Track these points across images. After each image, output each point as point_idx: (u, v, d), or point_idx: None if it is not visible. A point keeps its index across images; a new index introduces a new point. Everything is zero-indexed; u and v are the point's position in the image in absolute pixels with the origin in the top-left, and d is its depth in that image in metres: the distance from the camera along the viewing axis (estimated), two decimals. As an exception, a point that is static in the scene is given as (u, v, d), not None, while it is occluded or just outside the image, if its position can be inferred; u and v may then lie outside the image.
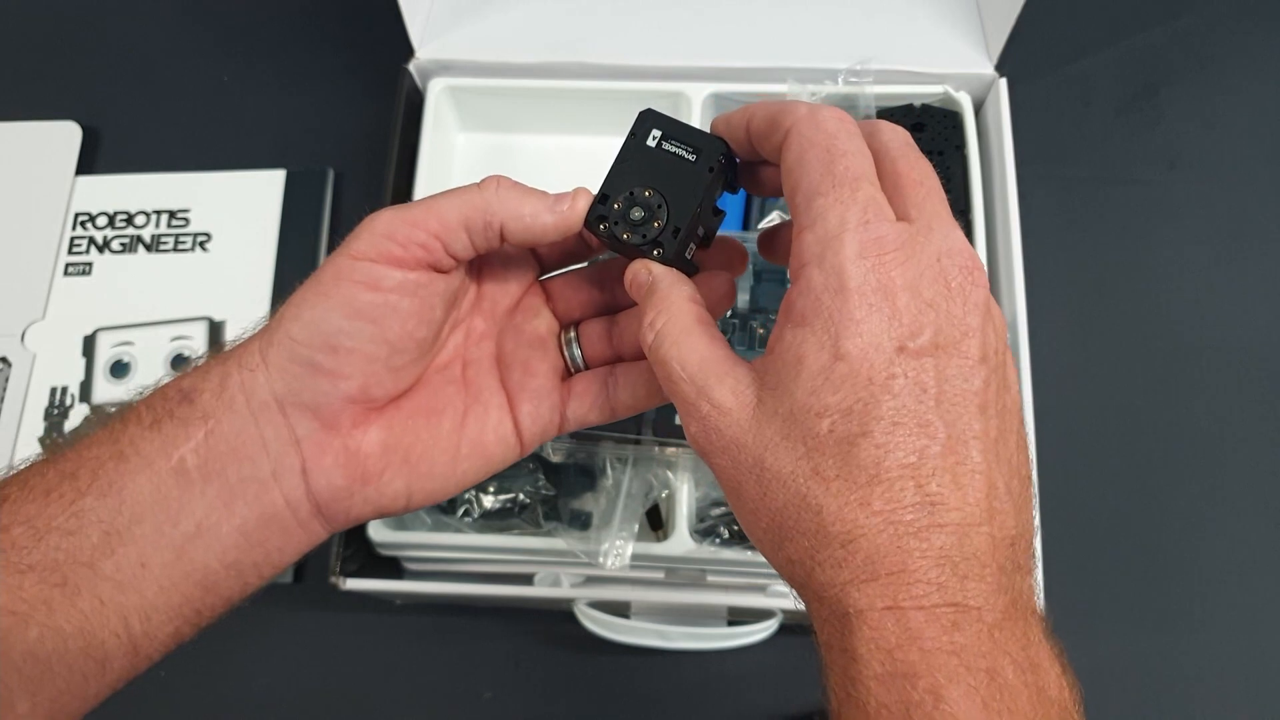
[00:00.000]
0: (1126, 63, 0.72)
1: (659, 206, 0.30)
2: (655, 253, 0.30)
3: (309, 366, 0.30)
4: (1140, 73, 0.72)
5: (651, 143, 0.31)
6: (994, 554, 0.25)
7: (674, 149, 0.31)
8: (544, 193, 0.32)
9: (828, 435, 0.25)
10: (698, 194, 0.31)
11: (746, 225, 0.62)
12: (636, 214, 0.30)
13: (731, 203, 0.61)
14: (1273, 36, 0.72)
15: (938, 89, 0.61)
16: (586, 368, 0.35)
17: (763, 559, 0.51)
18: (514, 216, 0.31)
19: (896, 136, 0.28)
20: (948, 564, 0.24)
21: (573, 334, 0.35)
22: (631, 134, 0.31)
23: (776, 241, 0.33)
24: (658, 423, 0.50)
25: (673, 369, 0.28)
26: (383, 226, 0.30)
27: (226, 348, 0.32)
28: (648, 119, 0.31)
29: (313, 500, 0.31)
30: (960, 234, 0.27)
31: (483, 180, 0.31)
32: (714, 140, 0.31)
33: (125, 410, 0.31)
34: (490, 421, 0.33)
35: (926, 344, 0.25)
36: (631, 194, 0.31)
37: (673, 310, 0.29)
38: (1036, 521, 0.27)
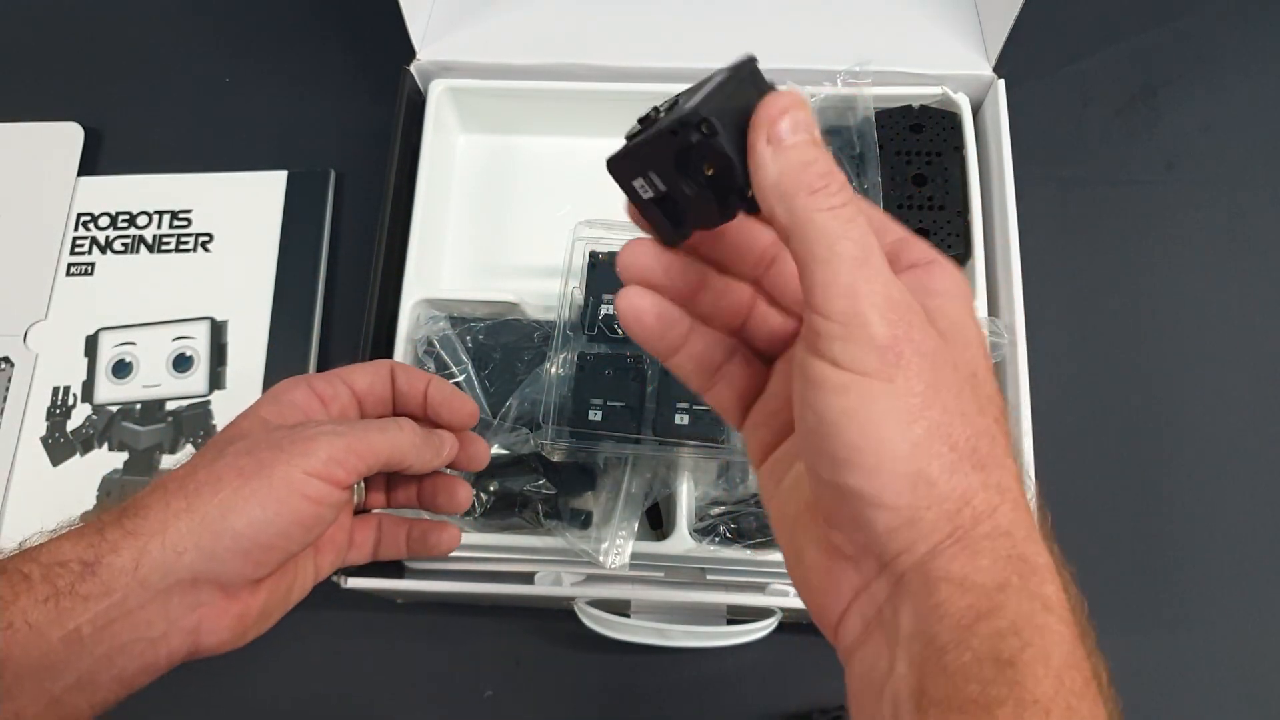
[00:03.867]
0: (1124, 64, 0.72)
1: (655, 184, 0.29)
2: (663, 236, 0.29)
3: (241, 556, 0.34)
4: (1138, 74, 0.72)
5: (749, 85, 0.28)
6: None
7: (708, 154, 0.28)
8: (433, 437, 0.41)
9: (995, 393, 0.27)
10: (709, 212, 0.29)
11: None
12: (645, 188, 0.29)
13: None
14: (1271, 37, 0.73)
15: (936, 90, 0.62)
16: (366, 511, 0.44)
17: (761, 559, 0.52)
18: (415, 459, 0.39)
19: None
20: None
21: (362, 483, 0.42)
22: (734, 71, 0.28)
23: None
24: (658, 423, 0.50)
25: (874, 254, 0.25)
26: (335, 452, 0.36)
27: (127, 504, 0.34)
28: (747, 66, 0.28)
29: (192, 650, 0.36)
30: None
31: (394, 422, 0.39)
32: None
33: (16, 578, 0.32)
34: (309, 571, 0.41)
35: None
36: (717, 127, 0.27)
37: (850, 192, 0.26)
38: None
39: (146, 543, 0.33)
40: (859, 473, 0.25)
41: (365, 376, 0.42)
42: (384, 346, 0.58)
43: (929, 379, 0.25)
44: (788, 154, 0.26)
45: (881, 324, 0.25)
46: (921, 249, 0.29)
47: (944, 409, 0.25)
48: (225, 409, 0.63)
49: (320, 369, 0.65)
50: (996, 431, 0.26)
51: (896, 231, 0.30)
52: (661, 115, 0.29)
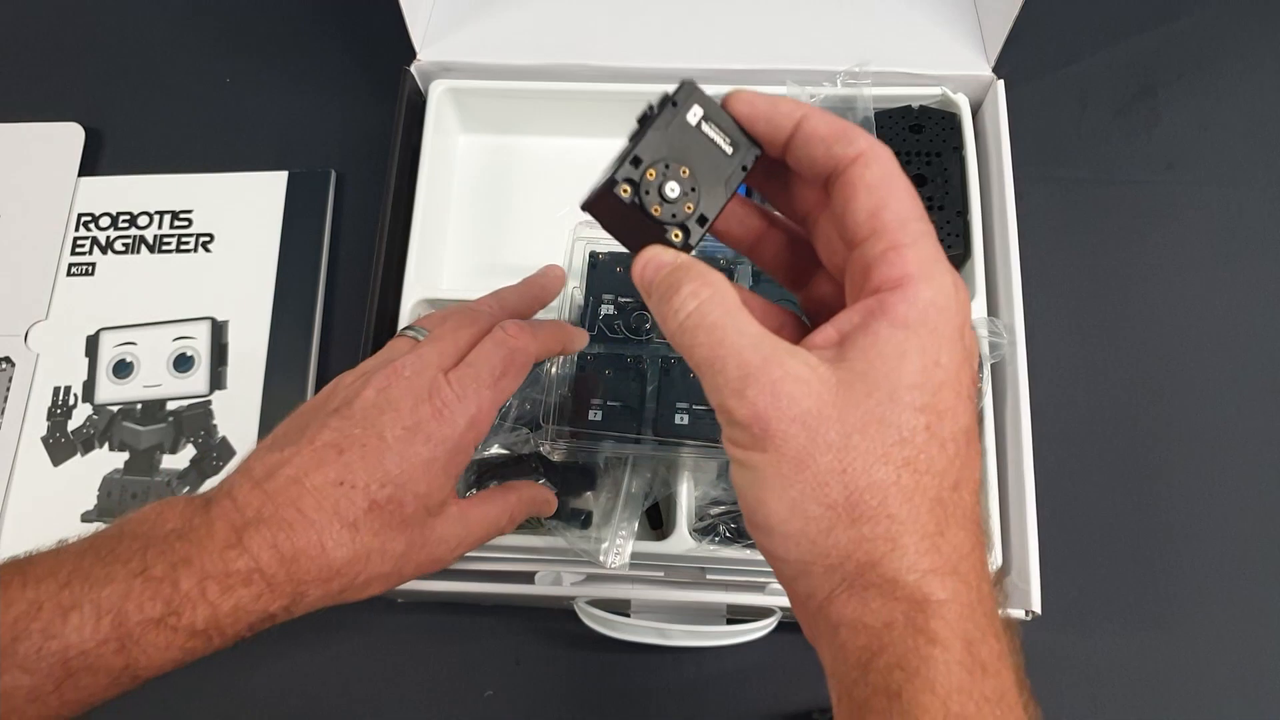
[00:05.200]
0: (1124, 64, 0.72)
1: (691, 190, 0.29)
2: (675, 236, 0.29)
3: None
4: (1138, 74, 0.72)
5: (692, 119, 0.29)
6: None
7: (712, 134, 0.30)
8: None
9: (924, 430, 0.26)
10: (729, 189, 0.30)
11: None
12: (672, 190, 0.29)
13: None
14: (1270, 38, 0.73)
15: (935, 90, 0.62)
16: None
17: (761, 559, 0.52)
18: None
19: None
20: (994, 575, 0.28)
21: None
22: (672, 101, 0.29)
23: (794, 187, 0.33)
24: (658, 423, 0.51)
25: (728, 335, 0.28)
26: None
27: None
28: (691, 93, 0.30)
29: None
30: None
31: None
32: (750, 140, 0.30)
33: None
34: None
35: (977, 381, 0.29)
36: (667, 166, 0.29)
37: (718, 285, 0.29)
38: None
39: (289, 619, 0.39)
40: (759, 532, 0.28)
41: (513, 386, 0.43)
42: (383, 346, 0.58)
43: (802, 443, 0.26)
44: (654, 304, 0.29)
45: (740, 405, 0.27)
46: (901, 265, 0.28)
47: (818, 471, 0.26)
48: (226, 409, 0.64)
49: (321, 369, 0.65)
50: (893, 478, 0.26)
51: (889, 239, 0.28)
52: (655, 113, 0.30)
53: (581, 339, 0.48)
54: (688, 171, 0.29)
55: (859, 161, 0.29)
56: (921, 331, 0.27)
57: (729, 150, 0.30)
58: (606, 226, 0.30)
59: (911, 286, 0.27)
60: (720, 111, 0.30)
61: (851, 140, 0.29)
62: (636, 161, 0.29)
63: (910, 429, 0.26)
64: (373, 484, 0.37)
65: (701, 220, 0.30)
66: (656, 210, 0.29)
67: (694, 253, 0.30)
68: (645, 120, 0.30)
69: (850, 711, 0.27)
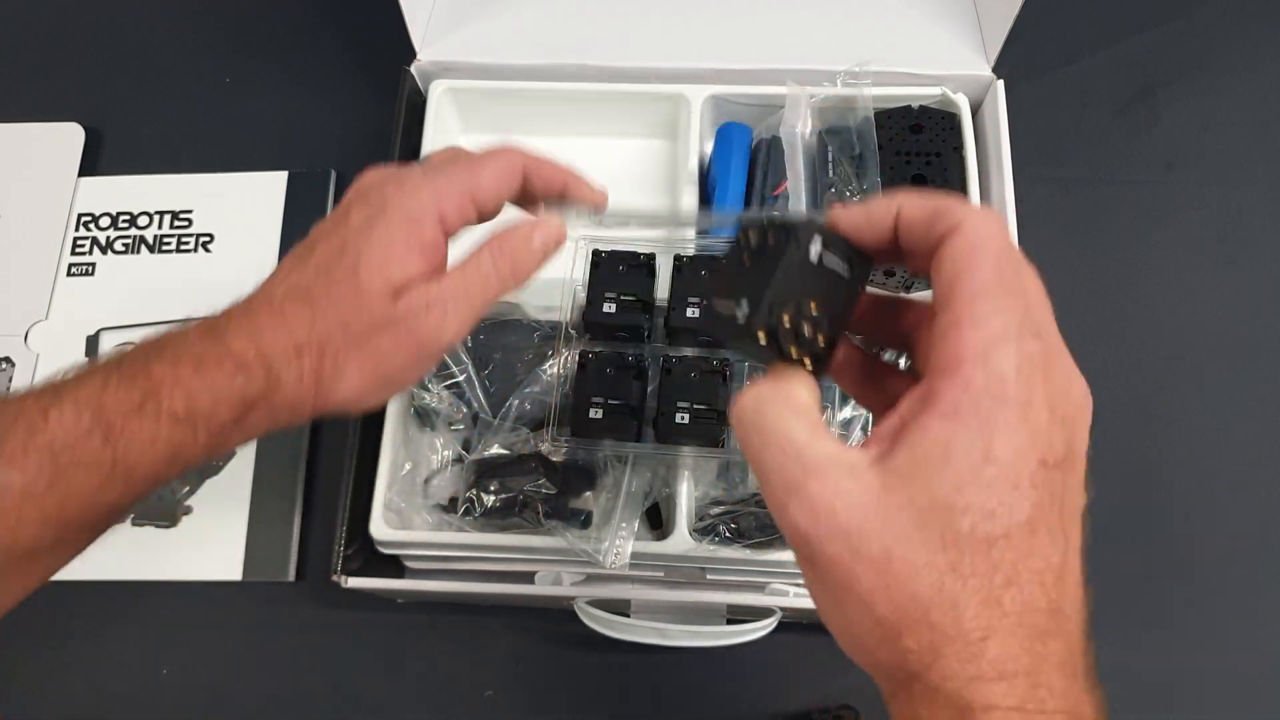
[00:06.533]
0: (1123, 64, 0.72)
1: (818, 320, 0.29)
2: (806, 364, 0.30)
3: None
4: (1137, 74, 0.72)
5: (814, 254, 0.30)
6: (1087, 661, 0.26)
7: (832, 264, 0.30)
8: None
9: (969, 533, 0.25)
10: (849, 308, 0.31)
11: (748, 204, 0.61)
12: (806, 330, 0.29)
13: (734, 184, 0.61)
14: (1269, 38, 0.73)
15: (935, 90, 0.62)
16: None
17: (761, 559, 0.52)
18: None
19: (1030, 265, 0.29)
20: (1068, 670, 0.25)
21: None
22: (795, 244, 0.30)
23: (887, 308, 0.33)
24: (658, 422, 0.51)
25: (774, 439, 0.27)
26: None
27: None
28: (812, 229, 0.30)
29: None
30: (1070, 359, 0.28)
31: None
32: (860, 254, 0.31)
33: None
34: None
35: (1060, 459, 0.26)
36: (799, 308, 0.29)
37: (783, 384, 0.29)
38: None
39: (279, 419, 0.38)
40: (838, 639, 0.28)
41: (495, 190, 0.42)
42: (384, 346, 0.58)
43: (846, 563, 0.25)
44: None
45: (783, 520, 0.26)
46: (958, 345, 0.26)
47: (863, 590, 0.25)
48: (226, 409, 0.63)
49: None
50: (935, 587, 0.25)
51: (954, 313, 0.26)
52: (771, 244, 0.30)
53: (592, 195, 0.45)
54: (816, 306, 0.29)
55: (954, 233, 0.28)
56: (971, 423, 0.25)
57: (846, 273, 0.30)
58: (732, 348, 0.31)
59: (964, 371, 0.25)
60: (833, 235, 0.31)
61: (947, 214, 0.28)
62: (771, 308, 0.29)
63: (954, 533, 0.25)
64: (329, 256, 0.39)
65: (830, 344, 0.30)
66: (795, 351, 0.29)
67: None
68: (762, 251, 0.30)
69: None
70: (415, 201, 0.39)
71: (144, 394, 0.35)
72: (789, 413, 0.27)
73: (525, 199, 0.44)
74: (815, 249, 0.30)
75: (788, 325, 0.29)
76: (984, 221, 0.28)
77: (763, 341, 0.29)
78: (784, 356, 0.29)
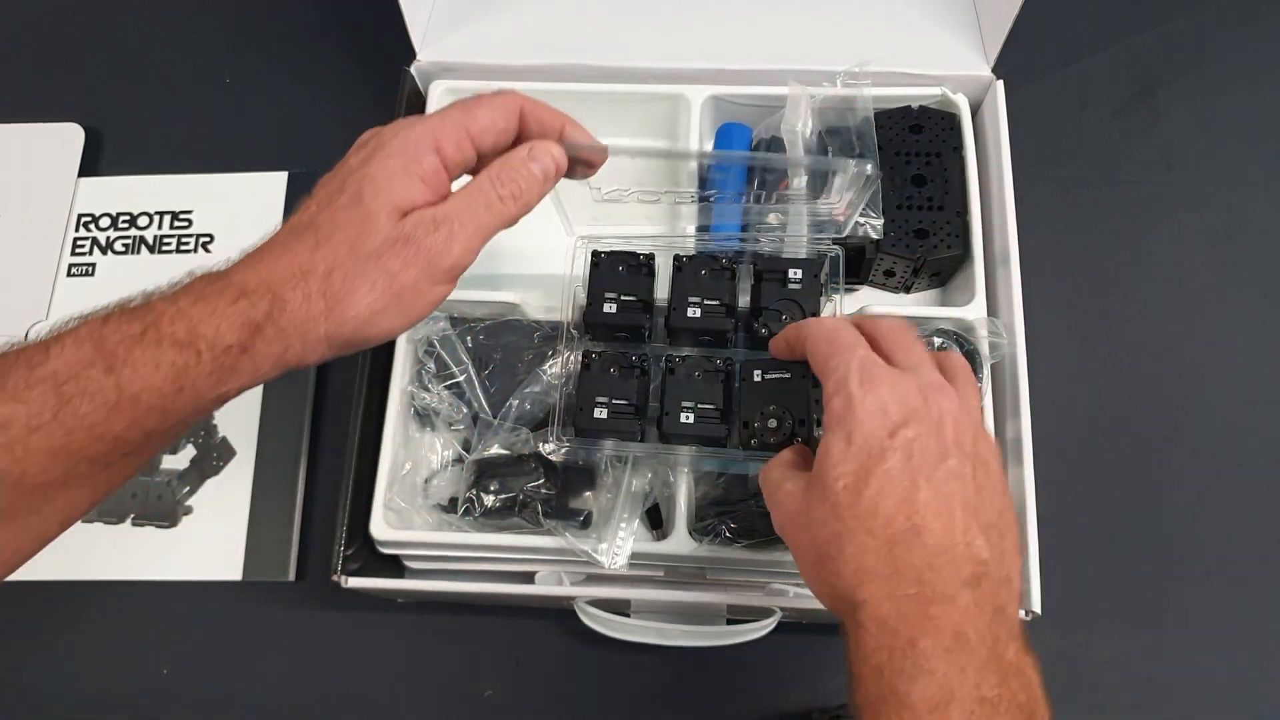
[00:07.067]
0: (1123, 64, 0.72)
1: (784, 414, 0.45)
2: (797, 441, 0.44)
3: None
4: (1137, 74, 0.72)
5: (758, 379, 0.46)
6: (965, 568, 0.35)
7: (775, 376, 0.45)
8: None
9: (843, 490, 0.36)
10: (807, 397, 0.44)
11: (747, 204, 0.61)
12: (772, 423, 0.45)
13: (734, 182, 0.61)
14: (1269, 38, 0.73)
15: (935, 91, 0.62)
16: None
17: (761, 559, 0.52)
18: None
19: (887, 321, 0.41)
20: (927, 569, 0.35)
21: None
22: (743, 379, 0.46)
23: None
24: (662, 422, 0.51)
25: (769, 486, 0.41)
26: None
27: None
28: (749, 366, 0.46)
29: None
30: (940, 376, 0.39)
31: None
32: (800, 363, 0.43)
33: (190, 355, 0.36)
34: None
35: (909, 431, 0.36)
36: (763, 413, 0.45)
37: (779, 457, 0.42)
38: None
39: (291, 345, 0.38)
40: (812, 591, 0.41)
41: (491, 127, 0.43)
42: (383, 347, 0.58)
43: (792, 533, 0.40)
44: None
45: (778, 529, 0.41)
46: (827, 389, 0.39)
47: (802, 547, 0.39)
48: (226, 410, 0.63)
49: (320, 369, 0.65)
50: (834, 531, 0.36)
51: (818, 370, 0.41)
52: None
53: (590, 140, 0.46)
54: (777, 408, 0.45)
55: (808, 345, 0.41)
56: (838, 429, 0.37)
57: (788, 376, 0.45)
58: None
59: (830, 405, 0.38)
60: (773, 361, 0.46)
61: (801, 335, 0.43)
62: (745, 424, 0.46)
63: (835, 493, 0.36)
64: (330, 193, 0.40)
65: (801, 422, 0.44)
66: (774, 441, 0.44)
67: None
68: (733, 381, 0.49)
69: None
70: (410, 134, 0.40)
71: (145, 325, 0.36)
72: (779, 469, 0.41)
73: (524, 142, 0.45)
74: (758, 374, 0.46)
75: (758, 426, 0.45)
76: (817, 324, 0.42)
77: (753, 445, 0.45)
78: (770, 448, 0.44)
